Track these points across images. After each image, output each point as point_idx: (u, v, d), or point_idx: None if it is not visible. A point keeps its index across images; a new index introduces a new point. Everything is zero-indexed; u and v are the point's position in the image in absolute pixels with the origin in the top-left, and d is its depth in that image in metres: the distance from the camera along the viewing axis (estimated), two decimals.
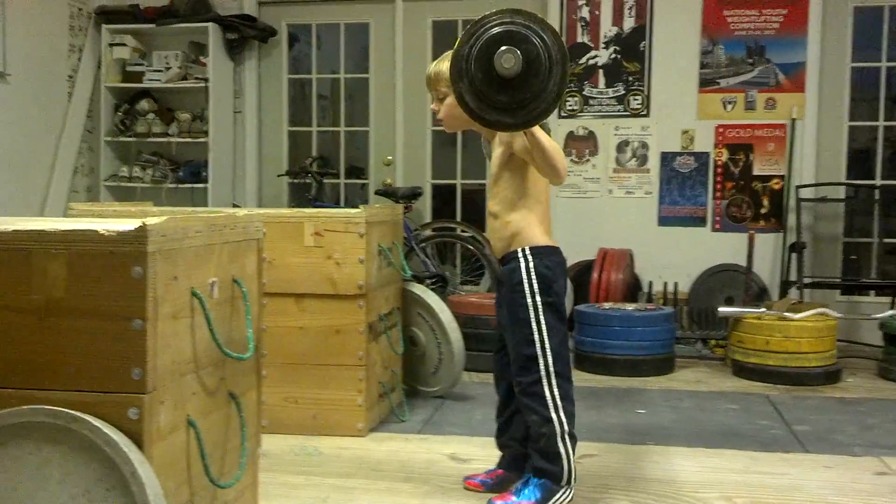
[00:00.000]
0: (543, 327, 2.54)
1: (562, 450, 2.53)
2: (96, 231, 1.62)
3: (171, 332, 1.72)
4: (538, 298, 2.55)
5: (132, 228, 1.61)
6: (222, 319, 1.95)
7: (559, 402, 2.53)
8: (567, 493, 2.57)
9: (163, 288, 1.67)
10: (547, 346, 2.54)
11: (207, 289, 1.86)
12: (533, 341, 2.54)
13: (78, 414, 1.60)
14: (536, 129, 2.41)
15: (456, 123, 2.74)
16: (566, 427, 2.54)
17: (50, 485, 1.59)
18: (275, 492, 2.73)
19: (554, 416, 2.53)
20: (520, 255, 2.59)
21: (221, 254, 1.94)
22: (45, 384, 1.66)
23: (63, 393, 1.65)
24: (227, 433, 2.02)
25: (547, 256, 2.60)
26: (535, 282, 2.56)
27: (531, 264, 2.57)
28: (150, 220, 1.62)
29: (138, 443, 1.63)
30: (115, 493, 1.58)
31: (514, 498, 2.56)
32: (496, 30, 2.28)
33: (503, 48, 2.26)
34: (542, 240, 2.61)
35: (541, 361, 2.53)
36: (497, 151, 2.68)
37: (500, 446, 2.82)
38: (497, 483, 2.77)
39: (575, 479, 2.58)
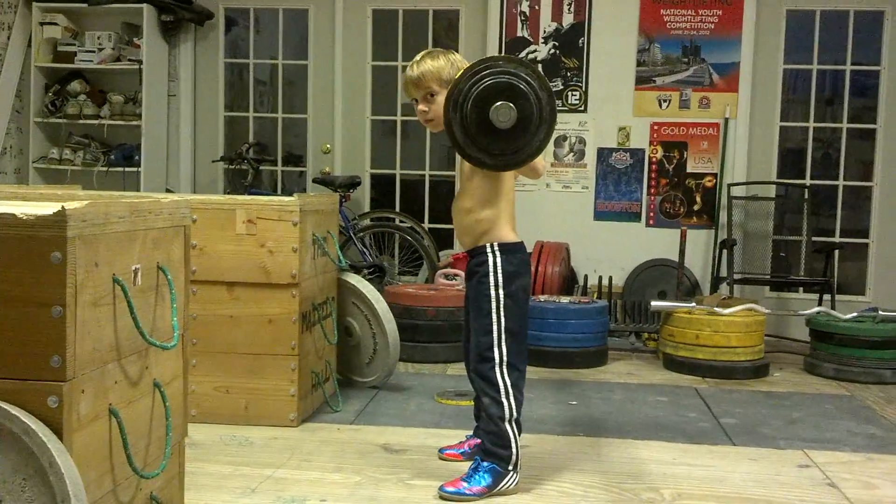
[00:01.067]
0: (503, 320, 2.68)
1: (510, 434, 2.67)
2: (14, 214, 1.57)
3: (92, 319, 1.67)
4: (501, 292, 2.69)
5: (51, 213, 1.56)
6: (146, 307, 1.91)
7: (510, 390, 2.67)
8: (514, 476, 2.69)
9: (83, 274, 1.62)
10: (503, 337, 2.68)
11: (130, 276, 1.82)
12: (492, 331, 2.68)
13: None
14: None
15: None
16: (514, 413, 2.67)
17: None
18: (203, 482, 2.69)
19: (504, 400, 2.66)
20: (488, 250, 2.71)
21: (146, 240, 1.89)
22: None
23: None
24: (152, 422, 1.98)
25: (513, 254, 2.73)
26: (500, 277, 2.69)
27: (498, 260, 2.70)
28: (70, 205, 1.57)
29: (58, 432, 1.58)
30: (32, 482, 1.54)
31: (465, 484, 2.64)
32: (501, 80, 2.46)
33: (501, 102, 2.44)
34: (510, 237, 2.76)
35: (496, 351, 2.67)
36: None
37: (476, 416, 2.94)
38: (476, 451, 2.86)
39: (520, 464, 2.69)
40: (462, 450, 3.00)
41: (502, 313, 2.67)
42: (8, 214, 1.58)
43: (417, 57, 2.80)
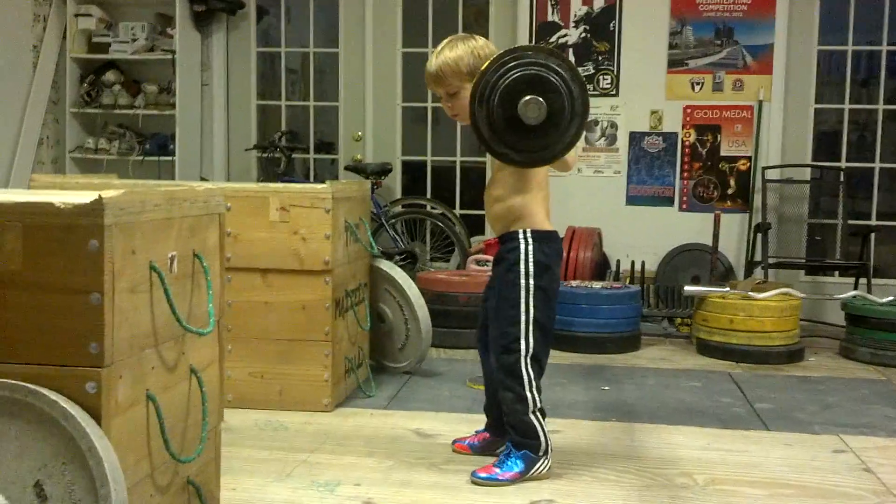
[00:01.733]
0: (531, 311, 2.61)
1: (536, 424, 2.64)
2: (52, 203, 1.60)
3: (130, 306, 1.70)
4: (531, 282, 2.61)
5: (88, 201, 1.58)
6: (182, 294, 1.93)
7: (534, 382, 2.63)
8: (546, 462, 2.68)
9: (120, 261, 1.65)
10: (531, 328, 2.61)
11: (166, 263, 1.85)
12: (519, 322, 2.61)
13: (35, 387, 1.58)
14: None
15: None
16: (539, 404, 2.64)
17: (6, 459, 1.57)
18: (238, 466, 2.73)
19: (528, 394, 2.62)
20: (520, 236, 2.63)
21: (181, 228, 1.92)
22: (1, 357, 1.63)
23: (20, 366, 1.63)
24: (189, 408, 2.01)
25: (546, 242, 2.65)
26: (531, 265, 2.61)
27: (530, 248, 2.62)
28: (107, 193, 1.60)
29: (96, 417, 1.61)
30: (72, 467, 1.57)
31: (497, 470, 2.64)
32: (529, 71, 2.30)
33: (529, 97, 2.29)
34: (543, 224, 2.67)
35: (523, 343, 2.61)
36: None
37: (486, 410, 2.93)
38: (483, 445, 2.88)
39: (551, 448, 2.69)
40: (471, 442, 2.93)
41: (531, 304, 2.60)
42: (46, 203, 1.61)
43: (437, 48, 2.68)
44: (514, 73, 2.32)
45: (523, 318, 2.60)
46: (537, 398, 2.63)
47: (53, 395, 1.58)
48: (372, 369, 3.86)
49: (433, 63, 2.66)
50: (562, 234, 5.62)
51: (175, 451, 1.89)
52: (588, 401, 3.67)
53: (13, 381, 1.58)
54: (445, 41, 2.69)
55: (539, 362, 2.65)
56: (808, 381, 4.10)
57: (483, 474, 2.64)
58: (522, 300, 2.60)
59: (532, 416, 2.63)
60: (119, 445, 1.65)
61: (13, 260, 1.62)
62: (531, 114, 2.31)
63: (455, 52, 2.62)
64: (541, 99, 2.31)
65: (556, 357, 4.42)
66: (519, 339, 2.61)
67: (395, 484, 2.63)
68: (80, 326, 1.61)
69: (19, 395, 1.58)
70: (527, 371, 2.61)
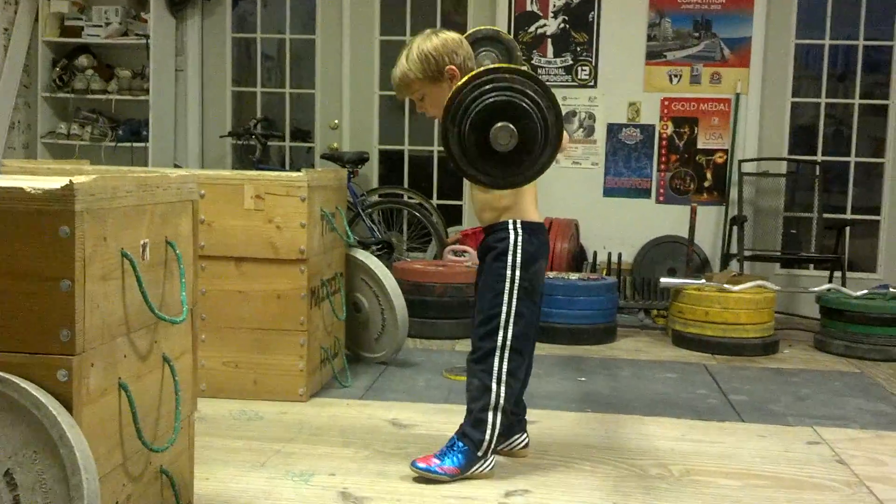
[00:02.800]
0: (514, 302, 2.57)
1: (489, 420, 2.57)
2: (22, 189, 1.56)
3: (101, 293, 1.67)
4: (517, 273, 2.57)
5: (59, 187, 1.55)
6: (155, 282, 1.90)
7: (503, 376, 2.56)
8: (488, 462, 2.61)
9: (91, 248, 1.62)
10: (512, 320, 2.57)
11: (138, 250, 1.82)
12: (500, 313, 2.56)
13: (5, 375, 1.56)
14: None
15: None
16: (501, 401, 2.57)
17: None
18: (213, 456, 2.70)
19: (494, 386, 2.56)
20: (510, 227, 2.60)
21: (153, 215, 1.89)
22: None
23: None
24: (162, 397, 1.98)
25: (535, 234, 2.62)
26: (518, 257, 2.57)
27: (520, 238, 2.58)
28: (78, 179, 1.57)
29: (67, 406, 1.59)
30: (42, 455, 1.54)
31: (436, 462, 2.58)
32: (502, 98, 2.24)
33: (501, 124, 2.23)
34: (532, 215, 2.64)
35: (500, 333, 2.56)
36: None
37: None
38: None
39: (492, 451, 2.60)
40: None
41: (515, 296, 2.56)
42: (16, 188, 1.57)
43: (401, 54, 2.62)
44: (487, 98, 2.26)
45: (505, 309, 2.56)
46: (502, 396, 2.55)
47: (24, 383, 1.55)
48: (348, 359, 3.84)
49: (395, 73, 2.62)
50: None
51: (148, 440, 1.87)
52: (564, 392, 3.67)
53: None
54: (406, 45, 2.63)
55: (520, 353, 2.60)
56: (783, 374, 4.13)
57: (422, 464, 2.57)
58: (506, 292, 2.56)
59: (489, 413, 2.56)
60: (91, 434, 1.63)
61: None
62: (502, 141, 2.25)
63: (413, 58, 2.56)
64: (512, 127, 2.25)
65: None
66: (497, 329, 2.56)
67: (370, 474, 2.62)
68: (51, 314, 1.58)
69: None
70: (499, 363, 2.56)
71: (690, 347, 4.55)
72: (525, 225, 2.60)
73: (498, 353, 2.56)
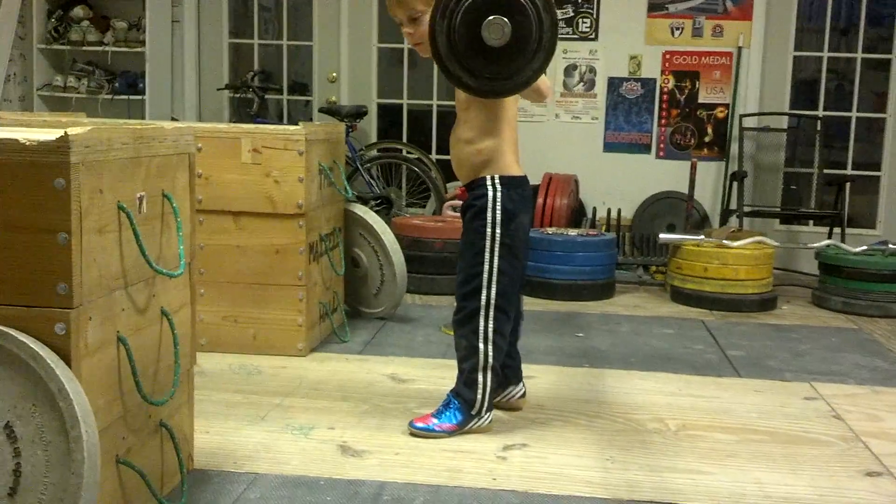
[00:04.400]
0: (496, 260, 2.52)
1: (480, 380, 2.57)
2: (17, 140, 1.54)
3: (98, 246, 1.66)
4: (497, 230, 2.51)
5: (54, 138, 1.53)
6: (152, 235, 1.89)
7: (490, 335, 2.55)
8: (485, 418, 2.61)
9: (88, 201, 1.60)
10: (494, 278, 2.53)
11: (135, 203, 1.80)
12: (482, 272, 2.53)
13: (3, 328, 1.55)
14: None
15: None
16: (490, 360, 2.56)
17: None
18: (212, 409, 2.72)
19: (482, 346, 2.55)
20: (488, 183, 2.53)
21: (150, 167, 1.87)
22: None
23: None
24: (160, 350, 1.98)
25: (514, 188, 2.55)
26: (498, 214, 2.51)
27: (498, 194, 2.52)
28: (73, 130, 1.55)
29: (66, 359, 1.58)
30: (41, 408, 1.54)
31: (434, 420, 2.59)
32: None
33: (494, 17, 2.15)
34: (512, 169, 2.56)
35: (484, 293, 2.53)
36: None
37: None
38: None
39: (488, 408, 2.61)
40: None
41: (496, 254, 2.51)
42: (10, 140, 1.55)
43: None
44: None
45: (486, 267, 2.51)
46: (490, 354, 2.54)
47: (22, 337, 1.55)
48: (347, 315, 3.84)
49: None
50: (538, 180, 5.59)
51: (147, 393, 1.87)
52: (562, 347, 3.68)
53: None
54: None
55: (505, 312, 2.56)
56: (781, 329, 4.14)
57: (420, 424, 2.58)
58: (487, 250, 2.51)
59: (479, 374, 2.55)
60: (90, 387, 1.63)
61: None
62: (494, 34, 2.16)
63: None
64: (506, 20, 2.16)
65: (530, 304, 4.43)
66: (480, 289, 2.52)
67: (369, 428, 2.63)
68: (48, 266, 1.57)
69: None
70: (485, 322, 2.54)
71: (689, 303, 4.56)
72: (504, 180, 2.53)
73: (482, 313, 2.53)
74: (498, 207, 2.51)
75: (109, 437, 1.75)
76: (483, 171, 2.55)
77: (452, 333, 3.73)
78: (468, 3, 2.17)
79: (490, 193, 2.52)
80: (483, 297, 2.53)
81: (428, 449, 2.48)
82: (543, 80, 2.46)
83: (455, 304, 2.63)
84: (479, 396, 2.57)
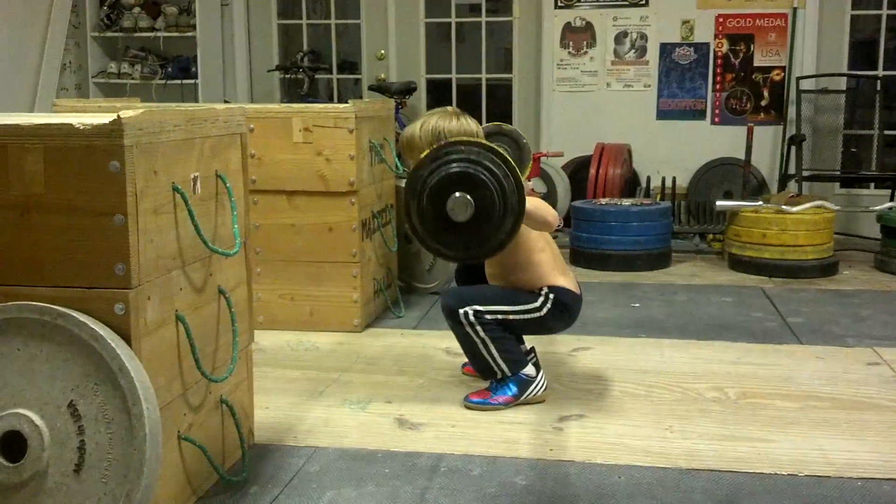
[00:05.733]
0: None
1: (486, 356, 2.59)
2: (71, 125, 1.57)
3: (154, 227, 1.69)
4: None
5: (107, 122, 1.56)
6: (207, 215, 1.92)
7: (472, 319, 2.57)
8: (539, 385, 2.63)
9: (143, 182, 1.63)
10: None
11: (189, 184, 1.83)
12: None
13: (64, 310, 1.59)
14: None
15: None
16: (483, 335, 2.58)
17: (38, 380, 1.59)
18: (271, 385, 2.76)
19: (469, 331, 2.58)
20: (541, 292, 2.61)
21: (203, 148, 1.89)
22: (30, 280, 1.64)
23: (48, 289, 1.63)
24: (219, 328, 2.01)
25: (564, 297, 2.62)
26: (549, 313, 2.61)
27: (549, 304, 2.60)
28: (126, 114, 1.57)
29: (125, 338, 1.62)
30: (103, 387, 1.58)
31: (490, 394, 2.61)
32: (456, 169, 2.25)
33: (457, 195, 2.24)
34: (563, 284, 2.63)
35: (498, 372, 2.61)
36: None
37: None
38: None
39: (517, 365, 2.61)
40: None
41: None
42: (65, 125, 1.58)
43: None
44: (443, 170, 2.26)
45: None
46: (479, 331, 2.57)
47: (82, 317, 1.59)
48: (400, 290, 3.86)
49: (404, 134, 2.65)
50: (591, 151, 5.54)
51: (207, 370, 1.91)
52: (618, 318, 3.65)
53: (42, 304, 1.59)
54: (423, 116, 2.68)
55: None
56: (842, 295, 4.06)
57: (476, 399, 2.60)
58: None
59: (482, 350, 2.59)
60: (150, 365, 1.66)
61: (36, 182, 1.61)
62: (458, 210, 2.24)
63: (423, 131, 2.60)
64: (468, 196, 2.24)
65: (585, 275, 4.40)
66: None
67: (426, 401, 2.65)
68: (106, 248, 1.61)
69: (48, 317, 1.58)
70: (464, 308, 2.57)
71: (747, 271, 4.48)
72: (557, 292, 2.60)
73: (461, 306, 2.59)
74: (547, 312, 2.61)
75: (171, 414, 1.79)
76: (534, 285, 2.62)
77: None
78: (433, 183, 2.26)
79: (541, 300, 2.60)
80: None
81: (485, 421, 2.49)
82: (545, 211, 2.46)
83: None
84: (494, 365, 2.59)
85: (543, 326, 2.66)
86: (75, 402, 1.57)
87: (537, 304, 2.59)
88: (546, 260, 2.63)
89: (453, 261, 2.51)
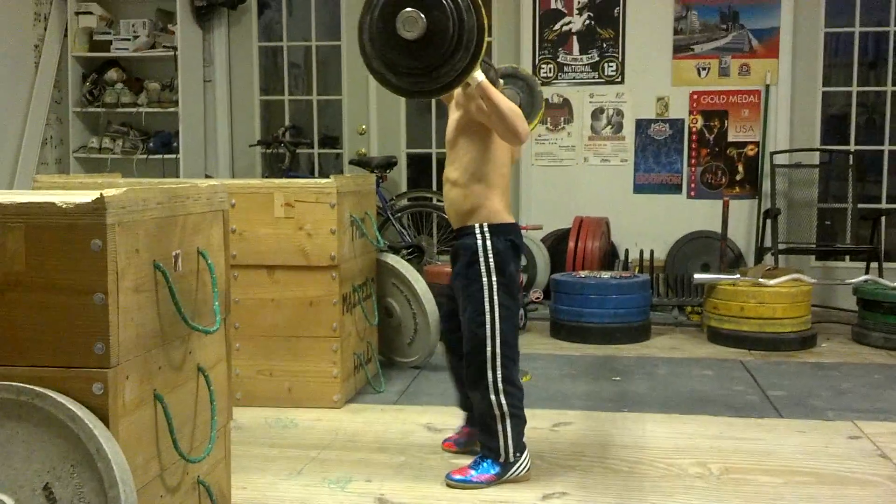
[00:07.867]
0: (496, 309, 2.54)
1: (499, 429, 2.56)
2: (53, 203, 1.58)
3: (135, 305, 1.68)
4: (493, 278, 2.54)
5: (90, 200, 1.57)
6: (188, 292, 1.91)
7: (500, 385, 2.55)
8: (523, 465, 2.59)
9: (124, 260, 1.63)
10: (497, 329, 2.54)
11: (171, 261, 1.83)
12: (484, 322, 2.54)
13: (42, 390, 1.57)
14: (491, 91, 2.39)
15: None
16: (505, 409, 2.55)
17: (15, 462, 1.56)
18: (249, 464, 2.72)
19: (493, 398, 2.55)
20: (477, 231, 2.56)
21: (185, 225, 1.90)
22: (7, 360, 1.62)
23: (26, 369, 1.61)
24: (197, 407, 1.99)
25: (505, 234, 2.57)
26: (491, 261, 2.54)
27: (489, 242, 2.55)
28: (109, 192, 1.58)
29: (104, 418, 1.60)
30: (80, 469, 1.55)
31: (472, 472, 2.58)
32: None
33: (410, 9, 2.15)
34: (502, 216, 2.58)
35: (489, 344, 2.54)
36: (454, 115, 2.66)
37: (463, 406, 2.85)
38: (467, 440, 2.82)
39: (517, 454, 2.58)
40: (456, 440, 2.88)
41: (495, 301, 2.53)
42: (48, 203, 1.59)
43: None
44: None
45: (488, 318, 2.53)
46: (503, 402, 2.54)
47: (60, 397, 1.57)
48: (381, 364, 3.84)
49: None
50: (569, 224, 5.59)
51: (184, 450, 1.88)
52: (599, 392, 3.64)
53: (19, 384, 1.57)
54: None
55: (511, 358, 2.58)
56: (821, 368, 4.07)
57: (457, 476, 2.57)
58: (486, 298, 2.53)
59: (497, 424, 2.55)
60: (127, 446, 1.64)
61: (16, 261, 1.60)
62: (408, 27, 2.15)
63: None
64: (421, 14, 2.14)
65: (565, 348, 4.40)
66: (485, 340, 2.54)
67: (407, 479, 2.61)
68: (85, 327, 1.59)
69: (26, 397, 1.56)
70: (493, 374, 2.54)
71: (726, 344, 4.50)
72: (493, 227, 2.56)
73: (489, 365, 2.54)
74: (490, 255, 2.54)
75: (147, 496, 1.75)
76: (472, 219, 2.58)
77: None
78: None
79: (479, 241, 2.55)
80: (489, 349, 2.54)
81: (467, 500, 2.46)
82: (515, 114, 2.43)
83: (467, 357, 2.61)
84: (502, 444, 2.56)
85: (512, 280, 2.57)
86: (51, 484, 1.54)
87: (479, 244, 2.53)
88: (502, 187, 2.58)
89: (400, 93, 2.32)
